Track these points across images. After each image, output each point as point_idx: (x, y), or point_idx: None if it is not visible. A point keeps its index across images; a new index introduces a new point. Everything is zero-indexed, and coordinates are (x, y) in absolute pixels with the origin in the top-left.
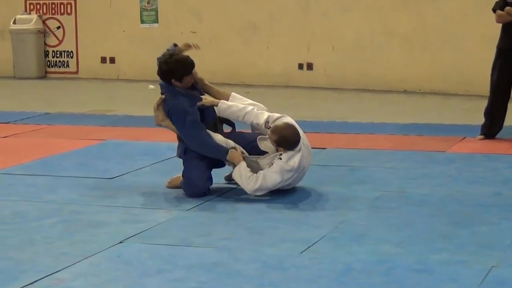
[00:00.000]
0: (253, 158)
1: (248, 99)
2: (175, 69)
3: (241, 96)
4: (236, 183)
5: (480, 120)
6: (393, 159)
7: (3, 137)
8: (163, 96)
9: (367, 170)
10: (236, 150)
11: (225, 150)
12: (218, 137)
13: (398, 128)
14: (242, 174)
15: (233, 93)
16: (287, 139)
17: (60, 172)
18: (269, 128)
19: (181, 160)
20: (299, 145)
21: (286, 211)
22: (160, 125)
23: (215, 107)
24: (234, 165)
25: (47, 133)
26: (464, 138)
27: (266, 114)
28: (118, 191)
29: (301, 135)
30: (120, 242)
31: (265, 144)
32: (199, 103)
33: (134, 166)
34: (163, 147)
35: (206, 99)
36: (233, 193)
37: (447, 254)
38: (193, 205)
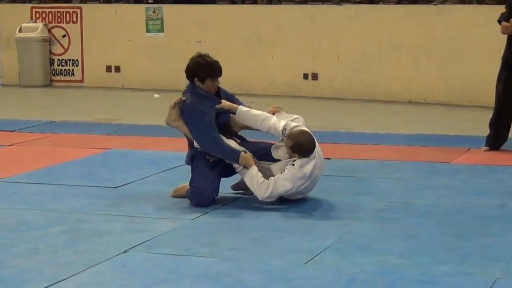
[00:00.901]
0: (264, 164)
1: (294, 115)
2: (200, 68)
3: (286, 114)
4: (242, 193)
5: (485, 131)
6: (398, 170)
7: (8, 145)
8: (183, 97)
9: (372, 180)
10: (247, 154)
11: (237, 153)
12: (230, 142)
13: (403, 138)
14: (253, 179)
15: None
16: (302, 145)
17: (65, 181)
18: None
19: (186, 170)
20: (313, 153)
21: (291, 221)
22: (170, 125)
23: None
24: (246, 169)
25: (52, 142)
26: (469, 149)
27: (283, 122)
28: (123, 200)
29: (316, 144)
30: (125, 251)
31: (279, 153)
32: (217, 106)
33: (139, 175)
34: (168, 156)
35: (225, 102)
36: (238, 203)
37: (451, 265)
38: (198, 215)
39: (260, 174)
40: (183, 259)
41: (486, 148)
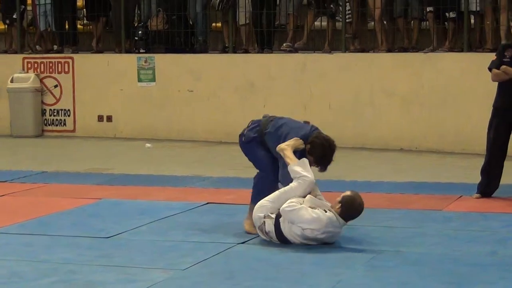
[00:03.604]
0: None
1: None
2: (321, 151)
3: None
4: (233, 243)
5: (477, 178)
6: (390, 218)
7: (0, 196)
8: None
9: (364, 229)
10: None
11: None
12: None
13: (395, 186)
14: (290, 190)
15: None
16: (353, 206)
17: (57, 232)
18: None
19: (177, 220)
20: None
21: (283, 270)
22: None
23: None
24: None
25: (44, 192)
26: (461, 196)
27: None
28: (115, 250)
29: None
30: None
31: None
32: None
33: (131, 225)
34: (160, 206)
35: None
36: (230, 252)
37: None
38: (190, 265)
39: (298, 197)
40: None
41: (478, 195)
